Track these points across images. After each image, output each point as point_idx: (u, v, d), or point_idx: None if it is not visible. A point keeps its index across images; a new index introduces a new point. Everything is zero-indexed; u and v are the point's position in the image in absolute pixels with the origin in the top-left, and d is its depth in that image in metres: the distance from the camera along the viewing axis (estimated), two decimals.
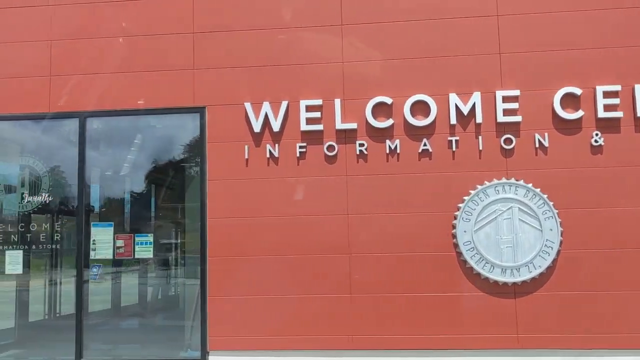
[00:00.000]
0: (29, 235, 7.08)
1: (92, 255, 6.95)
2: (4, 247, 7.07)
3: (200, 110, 6.98)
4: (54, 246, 7.08)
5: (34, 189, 7.10)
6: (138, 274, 7.47)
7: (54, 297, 7.86)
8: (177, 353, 7.04)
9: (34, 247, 7.07)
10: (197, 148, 7.01)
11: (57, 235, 7.06)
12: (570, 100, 6.49)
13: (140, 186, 7.36)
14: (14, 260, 7.00)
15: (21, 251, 7.03)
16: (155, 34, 7.14)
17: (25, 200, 7.08)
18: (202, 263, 6.79)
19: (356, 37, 6.88)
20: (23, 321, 7.73)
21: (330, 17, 6.93)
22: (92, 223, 6.99)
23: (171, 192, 7.36)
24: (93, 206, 7.09)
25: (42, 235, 7.05)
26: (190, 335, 7.07)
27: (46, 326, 7.82)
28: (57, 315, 7.92)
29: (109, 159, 7.28)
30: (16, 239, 7.08)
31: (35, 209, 7.09)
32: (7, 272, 7.04)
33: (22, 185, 7.14)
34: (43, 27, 7.24)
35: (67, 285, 7.43)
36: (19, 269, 7.02)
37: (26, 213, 7.11)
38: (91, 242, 6.95)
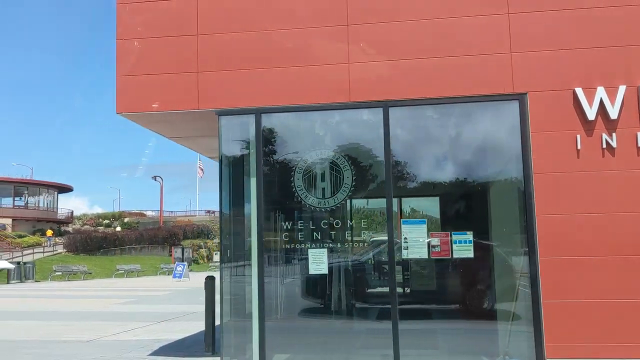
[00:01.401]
0: (332, 233, 6.65)
1: (404, 254, 6.46)
2: (307, 245, 6.64)
3: (519, 97, 6.42)
4: (360, 244, 6.61)
5: (336, 183, 6.65)
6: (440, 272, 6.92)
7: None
8: None
9: (339, 245, 6.64)
10: (513, 138, 6.46)
11: (364, 233, 6.59)
12: None
13: (449, 179, 6.83)
14: (318, 259, 6.56)
15: (325, 249, 6.58)
16: (458, 16, 6.60)
17: (327, 196, 6.64)
18: (531, 264, 6.25)
19: None
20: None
21: None
22: (402, 220, 6.50)
23: (480, 185, 6.81)
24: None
25: (347, 233, 6.60)
26: (508, 341, 6.55)
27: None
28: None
29: (412, 151, 6.78)
30: (319, 237, 6.64)
31: (339, 205, 6.64)
32: (311, 271, 6.62)
33: (323, 180, 6.69)
34: (339, 10, 6.76)
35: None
36: (324, 269, 6.58)
37: (329, 209, 6.67)
38: (402, 240, 6.46)
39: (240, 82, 6.85)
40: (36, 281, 34.06)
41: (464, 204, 6.82)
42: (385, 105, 6.62)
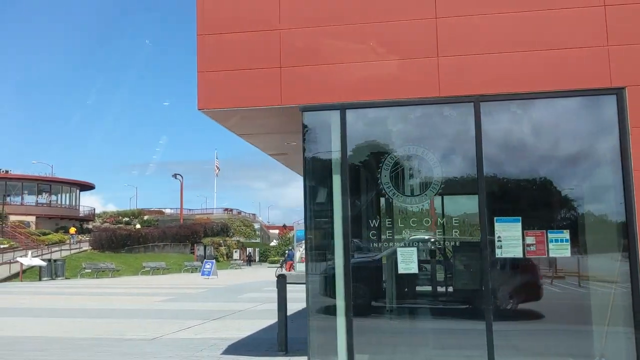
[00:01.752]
0: (422, 231, 6.51)
1: (498, 253, 6.30)
2: (395, 244, 6.51)
3: (617, 92, 6.23)
4: (451, 243, 6.47)
5: (425, 180, 6.51)
6: None
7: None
8: None
9: (429, 244, 6.50)
10: (610, 134, 6.27)
11: (455, 232, 6.44)
12: None
13: (542, 176, 6.65)
14: (408, 258, 6.43)
15: (415, 248, 6.45)
16: (551, 8, 6.42)
17: (416, 193, 6.50)
18: (631, 263, 6.06)
19: None
20: None
21: None
22: (495, 218, 6.34)
23: (573, 182, 6.61)
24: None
25: (438, 231, 6.46)
26: (604, 343, 6.36)
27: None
28: None
29: (503, 147, 6.60)
30: (407, 235, 6.51)
31: (428, 203, 6.50)
32: (400, 271, 6.48)
33: (411, 177, 6.55)
34: (427, 2, 6.62)
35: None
36: (413, 268, 6.45)
37: (418, 207, 6.53)
38: (496, 239, 6.30)
39: (324, 77, 6.74)
40: (66, 278, 34.35)
41: (557, 202, 6.62)
42: (477, 100, 6.46)
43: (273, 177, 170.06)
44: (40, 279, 31.96)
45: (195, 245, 59.58)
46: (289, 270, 33.20)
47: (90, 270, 37.08)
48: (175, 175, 78.80)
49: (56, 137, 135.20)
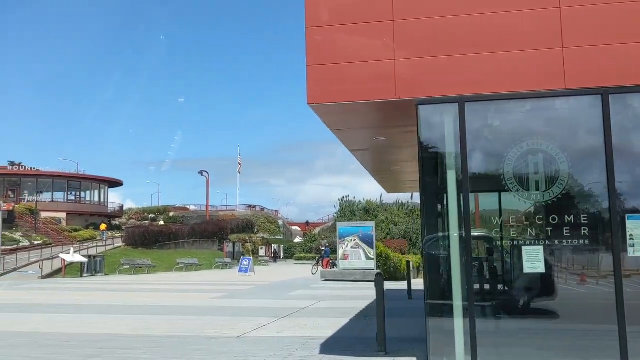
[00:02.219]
0: (549, 229, 6.26)
1: (630, 252, 6.04)
2: (520, 242, 6.28)
3: None
4: (579, 242, 6.20)
5: (551, 176, 6.26)
6: None
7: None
8: None
9: (556, 242, 6.25)
10: None
11: (584, 229, 6.18)
12: None
13: None
14: (534, 257, 6.20)
15: (541, 247, 6.21)
16: None
17: (542, 190, 6.26)
18: None
19: None
20: None
21: None
22: (627, 215, 6.08)
23: None
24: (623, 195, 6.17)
25: (566, 230, 6.20)
26: None
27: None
28: None
29: (635, 142, 6.33)
30: (533, 233, 6.28)
31: (555, 199, 6.25)
32: (525, 270, 6.26)
33: (536, 173, 6.31)
34: None
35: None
36: (540, 267, 6.21)
37: (544, 204, 6.29)
38: (627, 237, 6.04)
39: (441, 69, 6.52)
40: (105, 274, 34.61)
41: None
42: (605, 92, 6.20)
43: (289, 175, 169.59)
44: (81, 275, 32.24)
45: (224, 242, 59.82)
46: (326, 268, 33.05)
47: (128, 267, 37.34)
48: (201, 172, 79.38)
49: (73, 134, 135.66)
